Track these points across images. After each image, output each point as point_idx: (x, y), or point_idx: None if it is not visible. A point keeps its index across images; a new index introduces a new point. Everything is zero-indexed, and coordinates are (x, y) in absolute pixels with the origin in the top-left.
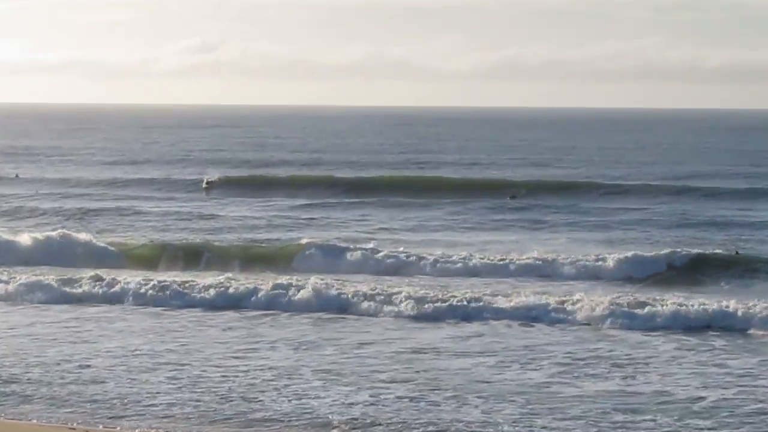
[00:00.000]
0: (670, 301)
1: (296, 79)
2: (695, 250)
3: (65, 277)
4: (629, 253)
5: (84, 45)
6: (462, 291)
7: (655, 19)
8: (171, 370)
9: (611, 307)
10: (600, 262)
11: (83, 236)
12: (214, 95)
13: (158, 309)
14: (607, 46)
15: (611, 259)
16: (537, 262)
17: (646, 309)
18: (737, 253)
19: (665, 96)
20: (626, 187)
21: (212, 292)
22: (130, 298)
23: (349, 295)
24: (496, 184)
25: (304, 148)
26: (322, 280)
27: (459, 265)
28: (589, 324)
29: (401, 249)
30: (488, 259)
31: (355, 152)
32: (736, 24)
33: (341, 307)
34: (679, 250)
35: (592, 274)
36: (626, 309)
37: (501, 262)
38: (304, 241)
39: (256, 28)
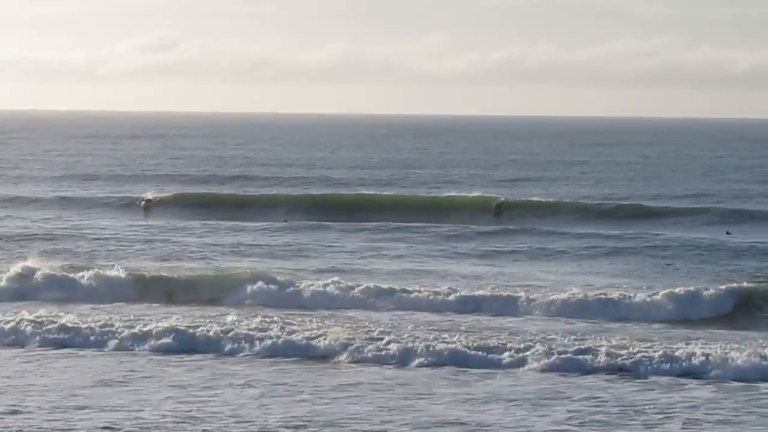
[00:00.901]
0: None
1: (265, 82)
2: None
3: None
4: (685, 288)
5: (20, 42)
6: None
7: (673, 16)
8: None
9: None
10: (649, 299)
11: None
12: (171, 100)
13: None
14: (619, 46)
15: (665, 295)
16: (585, 298)
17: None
18: None
19: (684, 103)
20: (636, 209)
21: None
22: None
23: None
24: (479, 203)
25: (270, 162)
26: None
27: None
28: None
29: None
30: (529, 294)
31: (329, 166)
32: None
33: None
34: (745, 284)
35: (643, 313)
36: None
37: (546, 299)
38: (238, 272)
39: (220, 25)
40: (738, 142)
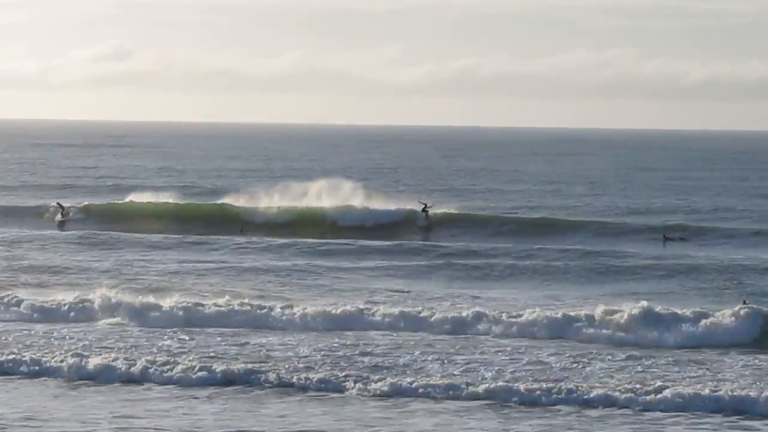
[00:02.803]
0: None
1: (220, 91)
2: None
3: None
4: (745, 308)
5: None
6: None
7: (627, 27)
8: None
9: None
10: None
11: None
12: (125, 109)
13: None
14: (573, 57)
15: (725, 315)
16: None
17: None
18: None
19: (638, 114)
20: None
21: None
22: None
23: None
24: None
25: (210, 173)
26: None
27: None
28: None
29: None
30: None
31: (274, 177)
32: (719, 34)
33: None
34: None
35: (703, 336)
36: None
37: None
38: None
39: (175, 34)
40: (686, 152)
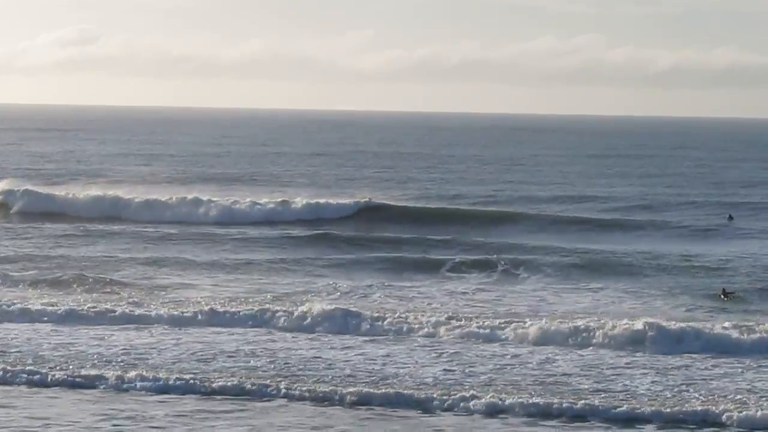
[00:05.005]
0: None
1: (185, 77)
2: None
3: None
4: None
5: None
6: None
7: (596, 14)
8: None
9: None
10: None
11: None
12: (91, 94)
13: None
14: (541, 44)
15: None
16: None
17: None
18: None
19: (605, 101)
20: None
21: None
22: None
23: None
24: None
25: (161, 159)
26: None
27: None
28: None
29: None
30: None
31: (224, 164)
32: (687, 21)
33: None
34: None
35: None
36: None
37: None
38: None
39: (141, 19)
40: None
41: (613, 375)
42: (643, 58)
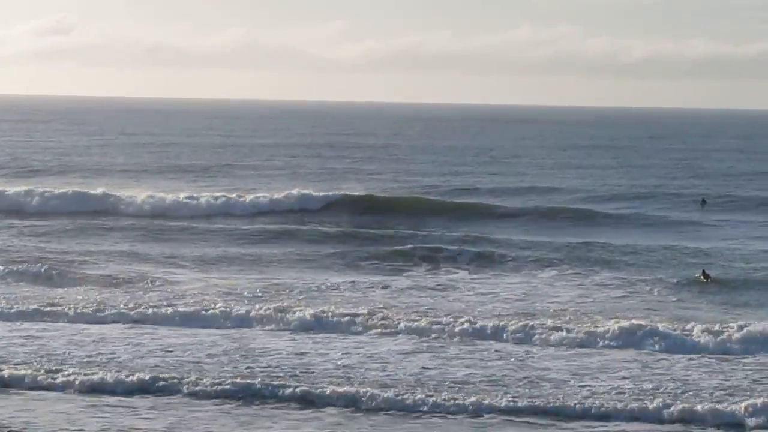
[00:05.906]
0: None
1: (163, 66)
2: None
3: None
4: None
5: None
6: None
7: (573, 5)
8: None
9: None
10: None
11: None
12: (68, 84)
13: None
14: (517, 34)
15: None
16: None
17: None
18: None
19: (578, 91)
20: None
21: None
22: None
23: None
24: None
25: (131, 151)
26: None
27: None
28: None
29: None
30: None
31: (193, 156)
32: (661, 12)
33: None
34: None
35: None
36: None
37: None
38: None
39: (118, 9)
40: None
41: (596, 372)
42: (618, 49)
